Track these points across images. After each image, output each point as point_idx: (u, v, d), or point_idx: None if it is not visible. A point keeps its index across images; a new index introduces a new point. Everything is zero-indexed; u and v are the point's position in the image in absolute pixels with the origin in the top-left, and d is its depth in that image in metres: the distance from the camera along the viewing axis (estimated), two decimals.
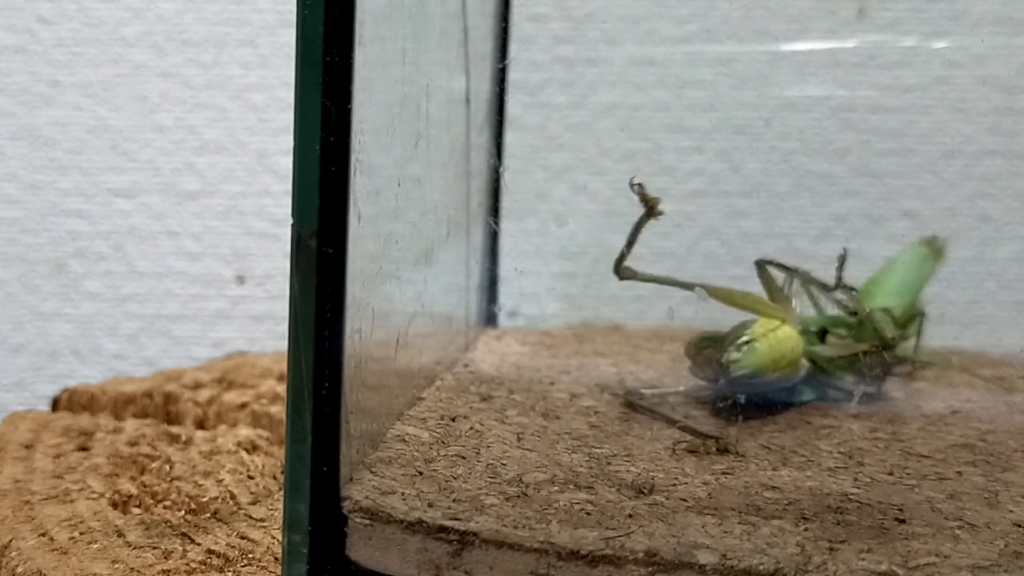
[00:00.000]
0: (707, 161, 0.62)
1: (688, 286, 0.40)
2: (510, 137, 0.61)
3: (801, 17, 0.60)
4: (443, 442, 0.35)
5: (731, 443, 0.37)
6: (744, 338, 0.39)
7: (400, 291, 0.36)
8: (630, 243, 0.40)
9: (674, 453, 0.36)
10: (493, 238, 0.52)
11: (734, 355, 0.39)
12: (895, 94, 0.60)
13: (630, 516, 0.31)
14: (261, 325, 0.66)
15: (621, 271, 0.40)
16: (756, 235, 0.62)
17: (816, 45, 0.60)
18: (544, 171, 0.63)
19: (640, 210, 0.40)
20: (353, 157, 0.29)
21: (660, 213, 0.39)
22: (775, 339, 0.40)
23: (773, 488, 0.33)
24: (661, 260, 0.64)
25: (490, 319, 0.52)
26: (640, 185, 0.38)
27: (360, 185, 0.30)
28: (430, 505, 0.29)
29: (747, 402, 0.39)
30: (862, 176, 0.61)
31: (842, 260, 0.43)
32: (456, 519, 0.29)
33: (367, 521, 0.29)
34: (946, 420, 0.41)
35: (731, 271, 0.62)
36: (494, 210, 0.52)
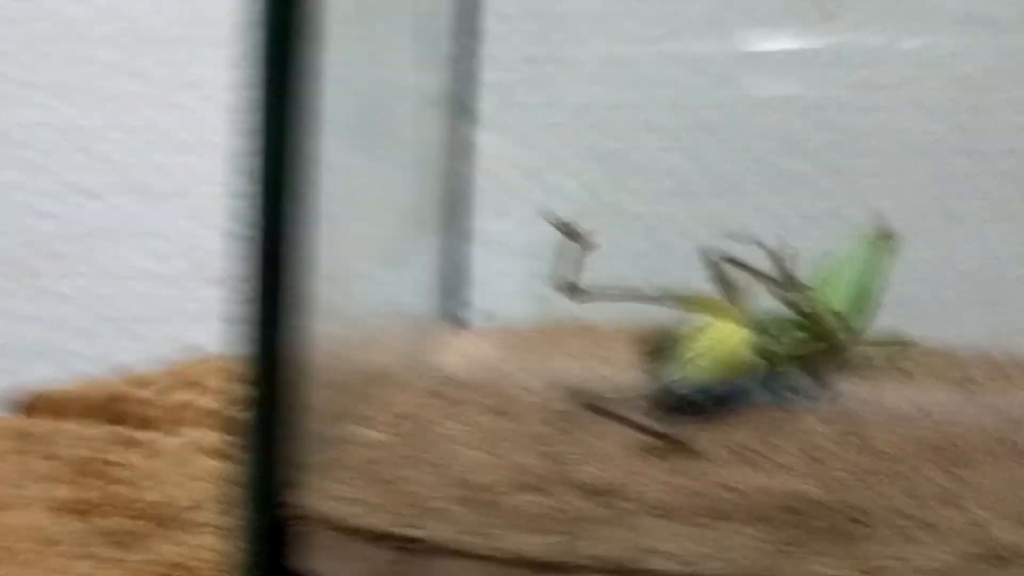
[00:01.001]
0: (678, 161, 0.62)
1: (645, 297, 0.40)
2: (483, 137, 0.61)
3: (770, 17, 0.60)
4: (398, 444, 0.34)
5: (691, 443, 0.36)
6: (686, 355, 0.39)
7: (366, 290, 0.36)
8: (575, 275, 0.39)
9: (634, 454, 0.36)
10: (464, 238, 0.51)
11: (675, 374, 0.39)
12: (864, 93, 0.60)
13: (585, 520, 0.30)
14: (231, 327, 0.65)
15: (576, 296, 0.40)
16: (727, 235, 0.62)
17: (785, 45, 0.60)
18: (518, 171, 0.63)
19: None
20: (317, 156, 0.29)
21: (592, 245, 0.39)
22: (720, 351, 0.40)
23: (732, 489, 0.33)
24: (634, 260, 0.64)
25: (459, 318, 0.52)
26: (564, 224, 0.38)
27: (326, 185, 0.30)
28: (379, 510, 0.29)
29: (708, 402, 0.39)
30: (831, 175, 0.61)
31: (789, 258, 0.43)
32: (405, 525, 0.28)
33: (314, 527, 0.29)
34: (909, 418, 0.41)
35: (703, 271, 0.62)
36: (466, 210, 0.51)
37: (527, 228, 0.62)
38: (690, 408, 0.39)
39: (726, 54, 0.60)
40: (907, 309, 0.58)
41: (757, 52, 0.60)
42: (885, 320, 0.50)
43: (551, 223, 0.37)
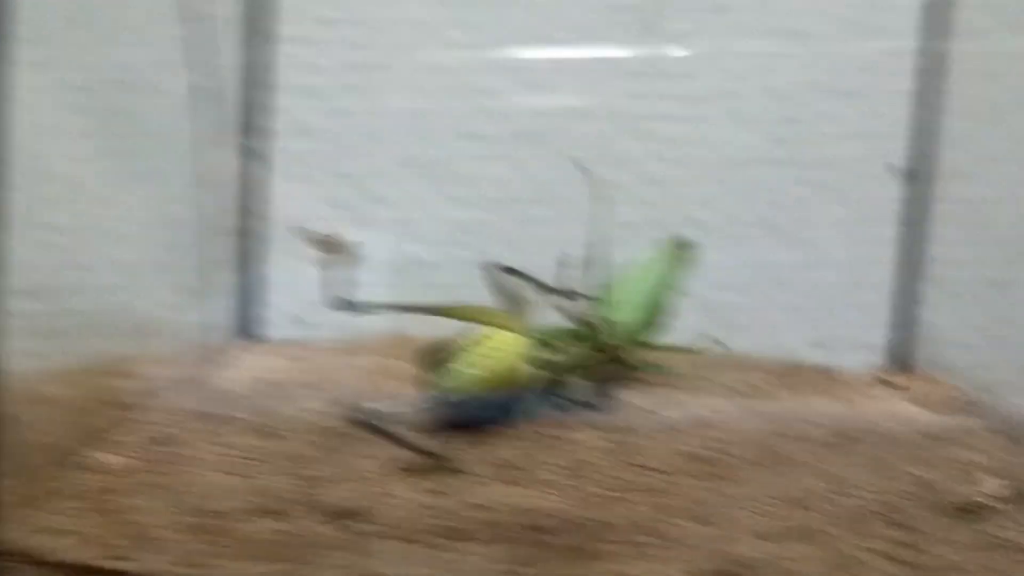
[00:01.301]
0: (500, 168, 0.62)
1: (418, 309, 0.40)
2: (301, 144, 0.59)
3: (590, 27, 0.60)
4: (138, 469, 0.33)
5: (452, 460, 0.36)
6: (461, 367, 0.39)
7: (98, 303, 0.35)
8: (346, 288, 0.39)
9: (393, 474, 0.35)
10: (254, 245, 0.50)
11: (448, 387, 0.39)
12: (680, 103, 0.60)
13: (321, 545, 0.29)
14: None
15: (334, 303, 0.39)
16: (548, 242, 0.62)
17: (603, 54, 0.60)
18: (336, 178, 0.62)
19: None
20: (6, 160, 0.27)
21: (336, 252, 0.38)
22: (495, 362, 0.39)
23: (482, 508, 0.33)
24: (455, 268, 0.63)
25: (250, 332, 0.51)
26: (309, 232, 0.37)
27: (27, 190, 0.28)
28: (93, 542, 0.28)
29: (481, 414, 0.38)
30: (650, 184, 0.61)
31: (566, 266, 0.43)
32: (115, 558, 0.27)
33: (14, 564, 0.27)
34: (682, 429, 0.41)
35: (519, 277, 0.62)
36: (256, 214, 0.50)
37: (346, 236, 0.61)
38: (462, 421, 0.38)
39: (548, 63, 0.60)
40: (720, 316, 0.58)
41: (579, 61, 0.60)
42: (697, 327, 0.51)
43: (303, 237, 0.36)
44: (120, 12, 0.35)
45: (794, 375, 0.50)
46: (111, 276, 0.37)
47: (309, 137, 0.60)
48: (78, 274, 0.36)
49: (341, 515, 0.31)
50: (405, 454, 0.36)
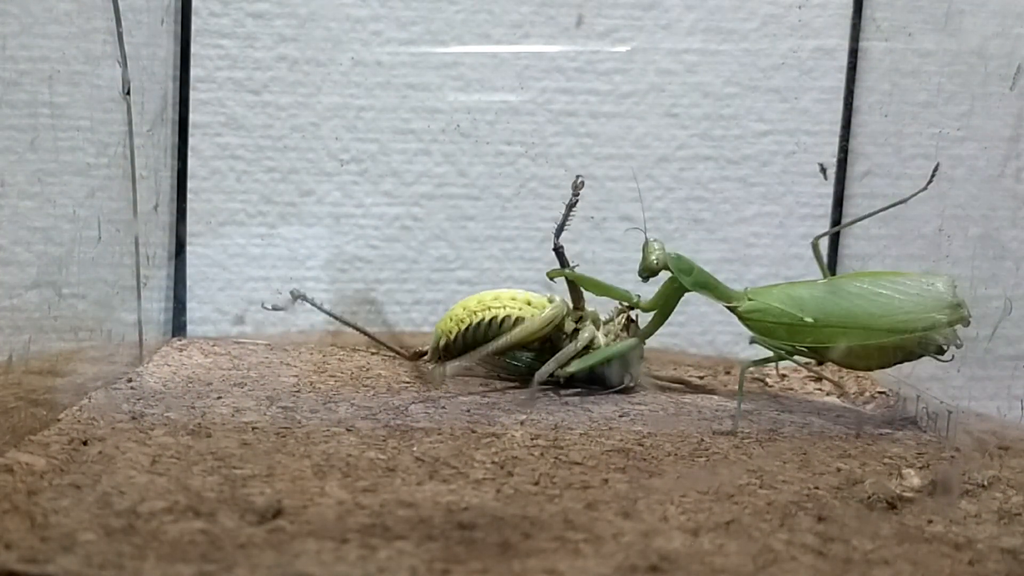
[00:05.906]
0: (434, 164, 0.61)
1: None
2: (233, 138, 0.59)
3: (522, 23, 0.60)
4: (61, 470, 0.32)
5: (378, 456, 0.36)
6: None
7: (25, 299, 0.34)
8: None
9: (324, 471, 0.35)
10: (180, 245, 0.49)
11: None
12: (612, 100, 0.61)
13: (241, 546, 0.29)
14: None
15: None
16: (482, 238, 0.62)
17: (537, 50, 0.60)
18: (270, 173, 0.61)
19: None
20: None
21: None
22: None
23: (410, 505, 0.33)
24: (390, 264, 0.63)
25: (185, 330, 0.50)
26: None
27: None
28: (7, 547, 0.27)
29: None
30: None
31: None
32: (31, 561, 0.27)
33: None
34: (611, 424, 0.41)
35: (459, 274, 0.62)
36: (180, 213, 0.49)
37: (277, 234, 0.61)
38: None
39: (479, 57, 0.60)
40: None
41: (510, 56, 0.60)
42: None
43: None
44: (48, 3, 0.34)
45: (728, 370, 0.51)
46: (38, 272, 0.36)
47: (240, 131, 0.59)
48: (3, 269, 0.35)
49: (267, 514, 0.31)
50: (342, 451, 0.36)
